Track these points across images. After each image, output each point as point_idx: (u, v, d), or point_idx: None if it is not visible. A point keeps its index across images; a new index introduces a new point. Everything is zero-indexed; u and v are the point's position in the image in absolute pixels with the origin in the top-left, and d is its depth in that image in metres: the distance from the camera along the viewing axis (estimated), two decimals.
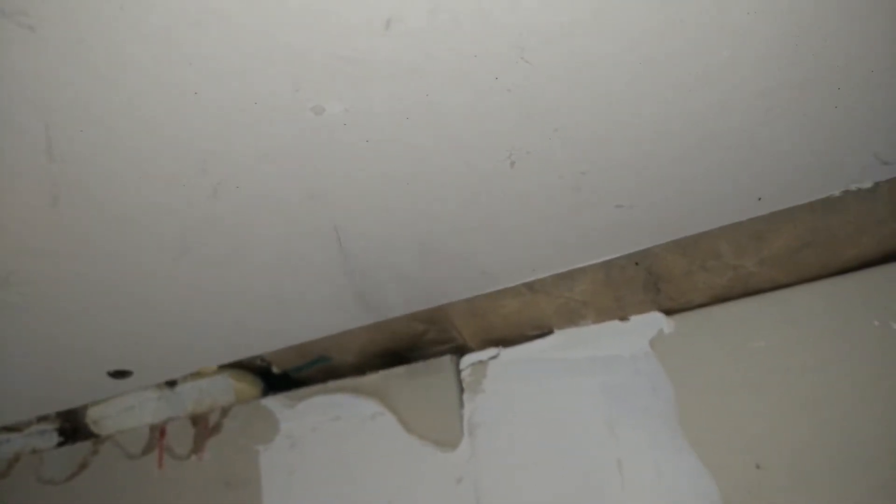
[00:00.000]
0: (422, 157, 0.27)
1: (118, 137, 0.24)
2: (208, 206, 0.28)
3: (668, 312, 0.40)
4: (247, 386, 0.50)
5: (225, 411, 0.49)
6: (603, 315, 0.41)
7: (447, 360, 0.44)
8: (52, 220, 0.27)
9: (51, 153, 0.24)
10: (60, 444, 0.54)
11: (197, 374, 0.50)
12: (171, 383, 0.50)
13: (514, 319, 0.43)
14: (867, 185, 0.33)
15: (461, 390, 0.43)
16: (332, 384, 0.47)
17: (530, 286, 0.41)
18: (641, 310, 0.40)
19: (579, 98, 0.25)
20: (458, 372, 0.44)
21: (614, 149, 0.28)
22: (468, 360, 0.44)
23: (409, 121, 0.25)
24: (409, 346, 0.47)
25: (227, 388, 0.50)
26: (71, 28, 0.20)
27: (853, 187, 0.33)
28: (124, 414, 0.52)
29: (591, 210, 0.32)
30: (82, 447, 0.52)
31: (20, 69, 0.21)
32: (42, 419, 0.54)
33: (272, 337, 0.45)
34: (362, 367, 0.48)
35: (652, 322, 0.40)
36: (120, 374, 0.45)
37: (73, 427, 0.54)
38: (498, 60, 0.23)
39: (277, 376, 0.50)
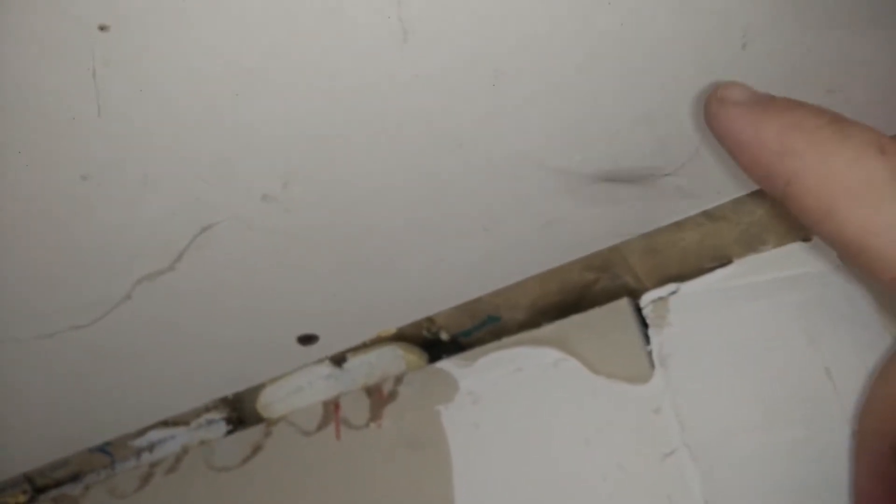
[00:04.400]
0: None
1: None
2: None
3: None
4: (415, 358, 0.51)
5: (399, 379, 0.50)
6: (784, 238, 0.42)
7: (624, 302, 0.45)
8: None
9: None
10: (229, 433, 0.55)
11: (365, 347, 0.51)
12: (339, 361, 0.52)
13: (693, 252, 0.44)
14: None
15: (644, 326, 0.44)
16: (507, 340, 0.48)
17: (709, 214, 0.42)
18: None
19: None
20: (638, 311, 0.45)
21: None
22: (648, 297, 0.45)
23: None
24: (577, 299, 0.49)
25: (396, 358, 0.51)
26: None
27: None
28: (293, 396, 0.53)
29: None
30: (254, 431, 0.53)
31: None
32: (209, 409, 0.55)
33: (446, 297, 0.47)
34: (530, 324, 0.49)
35: None
36: (308, 340, 0.47)
37: (239, 417, 0.56)
38: None
39: (444, 345, 0.51)
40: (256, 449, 0.50)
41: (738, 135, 0.23)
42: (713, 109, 0.24)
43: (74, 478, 0.56)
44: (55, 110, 0.25)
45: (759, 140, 0.22)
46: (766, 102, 0.23)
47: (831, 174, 0.20)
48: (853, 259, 0.20)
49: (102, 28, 0.23)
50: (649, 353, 0.43)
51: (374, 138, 0.30)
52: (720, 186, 0.39)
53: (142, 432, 0.55)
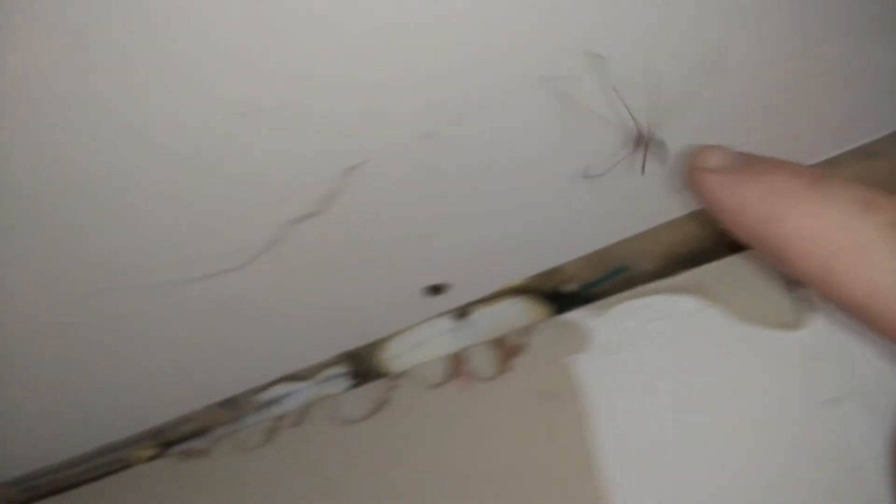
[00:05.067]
0: None
1: None
2: None
3: None
4: (541, 310, 0.50)
5: (526, 331, 0.49)
6: None
7: None
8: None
9: None
10: (352, 388, 0.55)
11: (490, 300, 0.50)
12: (463, 314, 0.51)
13: None
14: None
15: None
16: (640, 289, 0.46)
17: (868, 149, 0.39)
18: None
19: None
20: None
21: None
22: None
23: None
24: (714, 246, 0.46)
25: (521, 311, 0.50)
26: None
27: None
28: (417, 350, 0.53)
29: None
30: (379, 385, 0.53)
31: None
32: (332, 364, 0.55)
33: (576, 245, 0.45)
34: (662, 273, 0.47)
35: None
36: (436, 290, 0.46)
37: (362, 371, 0.56)
38: None
39: (571, 297, 0.50)
40: (382, 403, 0.50)
41: (721, 203, 0.23)
42: (694, 178, 0.24)
43: (201, 432, 0.58)
44: (216, 39, 0.24)
45: (742, 208, 0.22)
46: (743, 167, 0.23)
47: (820, 239, 0.20)
48: (858, 320, 0.20)
49: None
50: (800, 299, 0.40)
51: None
52: None
53: (266, 387, 0.56)
